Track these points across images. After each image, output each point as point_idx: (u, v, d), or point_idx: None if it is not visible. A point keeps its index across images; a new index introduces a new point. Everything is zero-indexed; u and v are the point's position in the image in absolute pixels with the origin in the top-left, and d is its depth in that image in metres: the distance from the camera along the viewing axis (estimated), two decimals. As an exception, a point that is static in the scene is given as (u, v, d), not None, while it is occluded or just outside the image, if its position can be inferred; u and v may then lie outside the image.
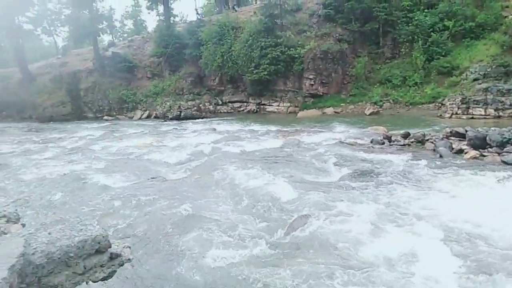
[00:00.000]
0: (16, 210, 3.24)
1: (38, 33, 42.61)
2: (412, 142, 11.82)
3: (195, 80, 30.36)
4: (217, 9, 42.67)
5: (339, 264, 4.48)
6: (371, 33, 26.21)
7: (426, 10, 25.07)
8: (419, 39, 23.71)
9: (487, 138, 9.78)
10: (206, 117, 26.11)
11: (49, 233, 2.57)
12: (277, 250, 4.99)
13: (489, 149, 9.59)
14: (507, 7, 23.57)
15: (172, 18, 36.60)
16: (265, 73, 25.47)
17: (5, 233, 2.68)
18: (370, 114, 21.70)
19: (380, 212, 5.90)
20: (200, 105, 27.51)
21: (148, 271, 4.67)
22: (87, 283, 2.67)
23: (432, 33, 23.62)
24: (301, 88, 26.04)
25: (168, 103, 27.63)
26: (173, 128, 20.49)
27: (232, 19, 30.01)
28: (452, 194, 6.68)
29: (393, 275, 4.17)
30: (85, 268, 2.61)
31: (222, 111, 28.57)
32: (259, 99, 27.55)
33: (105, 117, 30.31)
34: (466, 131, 10.62)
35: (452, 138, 11.11)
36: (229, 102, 29.01)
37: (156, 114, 28.40)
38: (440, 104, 20.32)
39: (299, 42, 26.37)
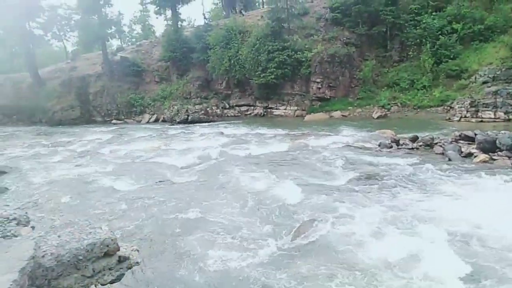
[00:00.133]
0: (26, 213, 3.27)
1: (48, 38, 43.38)
2: (420, 145, 11.72)
3: (202, 84, 30.49)
4: (224, 13, 42.86)
5: (345, 268, 4.45)
6: (378, 36, 26.09)
7: (434, 13, 24.87)
8: (427, 42, 23.52)
9: (497, 141, 9.66)
10: (214, 121, 26.18)
11: (59, 236, 2.60)
12: (284, 254, 4.97)
13: (499, 152, 9.47)
14: (516, 9, 23.30)
15: (179, 23, 36.84)
16: (272, 76, 25.46)
17: (15, 236, 2.71)
18: (377, 118, 21.57)
19: (387, 217, 5.85)
20: (208, 109, 27.61)
21: (156, 274, 4.69)
22: (95, 286, 2.69)
23: (440, 36, 23.41)
24: (308, 92, 25.98)
25: (175, 107, 27.78)
26: (181, 132, 20.58)
27: (239, 23, 30.11)
28: (462, 197, 6.61)
29: (398, 280, 4.13)
30: (94, 271, 2.63)
31: (229, 114, 28.63)
32: (266, 103, 27.56)
33: (114, 121, 30.61)
34: (476, 134, 10.51)
35: (461, 141, 10.99)
36: (236, 105, 29.07)
37: (163, 118, 28.58)
38: (448, 107, 20.10)
39: (306, 46, 26.33)
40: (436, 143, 11.45)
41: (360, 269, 4.40)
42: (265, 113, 27.51)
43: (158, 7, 38.00)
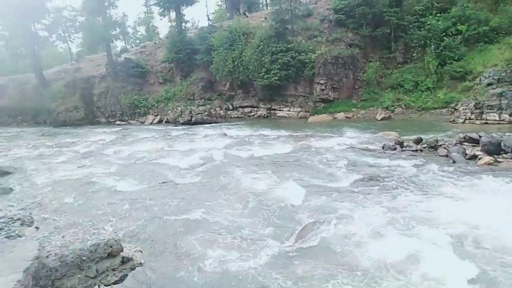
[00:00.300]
0: (30, 213, 3.29)
1: (53, 40, 43.64)
2: (424, 147, 11.67)
3: (206, 85, 30.56)
4: (228, 14, 42.97)
5: (346, 269, 4.44)
6: (382, 37, 26.04)
7: (438, 15, 24.78)
8: (432, 43, 23.45)
9: (502, 143, 9.60)
10: (217, 122, 26.20)
11: (63, 237, 2.61)
12: (285, 256, 4.97)
13: (504, 154, 9.41)
14: (522, 10, 23.17)
15: (183, 24, 36.95)
16: (276, 78, 25.46)
17: (20, 236, 2.72)
18: (381, 119, 21.51)
19: (389, 218, 5.82)
20: (211, 110, 27.64)
21: (159, 275, 4.70)
22: (99, 286, 2.70)
23: (444, 38, 23.32)
24: (311, 93, 25.97)
25: (179, 108, 27.85)
26: (184, 133, 20.62)
27: (243, 24, 30.16)
28: (463, 199, 6.57)
29: (398, 281, 4.12)
30: (97, 272, 2.64)
31: (232, 116, 28.67)
32: (270, 104, 27.57)
33: (117, 122, 30.74)
34: (480, 136, 10.45)
35: (466, 143, 10.94)
36: (239, 107, 29.10)
37: (167, 119, 28.66)
38: (453, 109, 20.03)
39: (310, 47, 26.32)
40: (440, 145, 11.39)
41: (360, 271, 4.39)
42: (269, 115, 27.52)
43: (162, 9, 38.14)
